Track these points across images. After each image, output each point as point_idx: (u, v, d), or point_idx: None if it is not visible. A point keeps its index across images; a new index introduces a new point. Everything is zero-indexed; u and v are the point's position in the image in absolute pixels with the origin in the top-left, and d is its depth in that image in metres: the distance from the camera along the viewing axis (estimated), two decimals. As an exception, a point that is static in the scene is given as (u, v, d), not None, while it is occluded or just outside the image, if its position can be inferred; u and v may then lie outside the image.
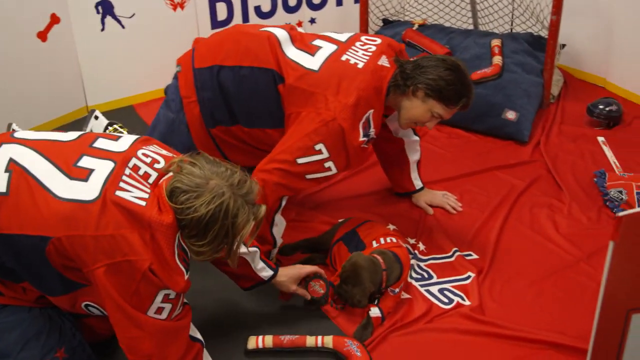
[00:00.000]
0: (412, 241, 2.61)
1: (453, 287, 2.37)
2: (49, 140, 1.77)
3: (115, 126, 3.13)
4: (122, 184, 1.64)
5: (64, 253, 1.62)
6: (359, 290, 2.16)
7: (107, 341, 2.15)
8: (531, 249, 2.57)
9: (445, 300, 2.31)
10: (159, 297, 1.65)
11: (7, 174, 1.66)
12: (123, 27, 3.81)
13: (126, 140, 1.79)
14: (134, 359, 1.70)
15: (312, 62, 2.33)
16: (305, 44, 2.40)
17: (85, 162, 1.69)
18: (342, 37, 2.48)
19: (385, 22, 4.41)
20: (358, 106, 2.24)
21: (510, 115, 3.39)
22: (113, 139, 1.79)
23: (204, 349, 1.85)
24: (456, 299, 2.30)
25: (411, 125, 2.46)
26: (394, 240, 2.38)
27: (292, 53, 2.36)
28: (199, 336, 1.84)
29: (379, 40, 2.45)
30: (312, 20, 4.61)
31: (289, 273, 2.24)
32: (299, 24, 4.58)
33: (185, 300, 1.77)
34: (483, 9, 4.27)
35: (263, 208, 1.74)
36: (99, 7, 3.71)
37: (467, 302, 2.28)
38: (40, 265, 1.65)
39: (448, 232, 2.66)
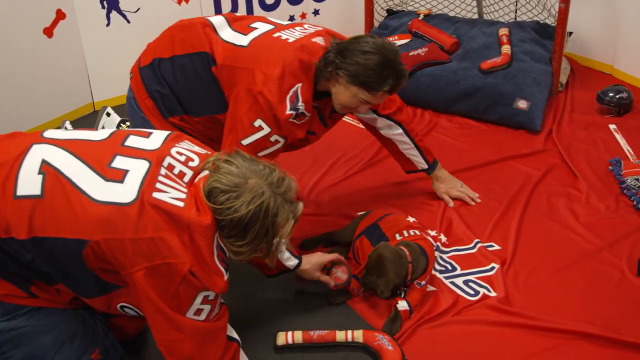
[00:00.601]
0: (433, 233, 2.60)
1: (477, 278, 2.37)
2: (80, 140, 1.73)
3: (128, 123, 3.10)
4: (158, 185, 1.62)
5: (102, 256, 1.60)
6: (383, 281, 2.16)
7: (135, 340, 2.15)
8: (552, 238, 2.57)
9: (471, 292, 2.31)
10: (199, 299, 1.63)
11: (40, 176, 1.62)
12: (128, 21, 3.79)
13: (158, 137, 1.77)
14: None
15: (243, 40, 2.29)
16: (242, 26, 2.36)
17: (120, 162, 1.66)
18: (285, 22, 2.46)
19: (390, 12, 4.39)
20: (283, 78, 2.18)
21: (522, 104, 3.39)
22: (144, 135, 1.76)
23: (241, 348, 1.84)
24: (482, 290, 2.31)
25: (345, 110, 2.38)
26: (417, 232, 2.38)
27: (227, 35, 2.32)
28: (235, 335, 1.82)
29: (320, 28, 2.41)
30: (316, 12, 4.60)
31: (312, 261, 2.26)
32: (303, 16, 4.56)
33: (221, 301, 1.75)
34: (487, -3, 4.27)
35: (301, 205, 1.73)
36: (104, 2, 3.69)
37: (493, 294, 2.29)
38: (75, 268, 1.63)
39: (468, 223, 2.66)
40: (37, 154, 1.67)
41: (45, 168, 1.63)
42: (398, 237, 2.37)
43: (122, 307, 1.77)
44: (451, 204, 2.78)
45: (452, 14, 4.34)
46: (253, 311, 2.29)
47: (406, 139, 2.66)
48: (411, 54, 3.75)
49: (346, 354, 2.09)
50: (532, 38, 3.77)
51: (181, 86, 2.34)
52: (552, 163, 3.08)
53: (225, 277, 1.67)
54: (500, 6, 4.19)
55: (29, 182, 1.62)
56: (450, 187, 2.82)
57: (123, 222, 1.57)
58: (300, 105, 2.21)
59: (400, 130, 2.64)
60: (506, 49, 3.62)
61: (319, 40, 2.28)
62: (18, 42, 3.38)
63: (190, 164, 1.72)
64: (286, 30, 2.32)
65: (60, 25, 3.54)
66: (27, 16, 3.39)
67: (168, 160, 1.69)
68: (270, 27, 2.35)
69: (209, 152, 1.80)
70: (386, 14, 4.41)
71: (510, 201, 2.79)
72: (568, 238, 2.56)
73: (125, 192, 1.60)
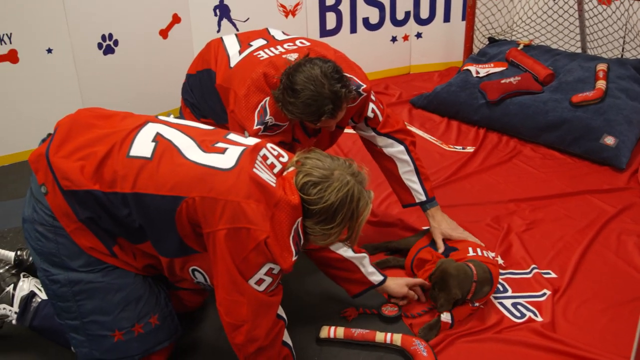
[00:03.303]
0: (491, 255, 2.63)
1: (527, 302, 2.38)
2: (189, 125, 2.00)
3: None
4: (257, 165, 1.84)
5: (193, 213, 1.79)
6: (444, 295, 2.23)
7: (193, 314, 2.34)
8: (613, 274, 2.54)
9: (518, 314, 2.33)
10: (264, 269, 1.80)
11: (153, 144, 1.88)
12: (237, 29, 4.05)
13: (254, 138, 1.99)
14: (229, 321, 1.85)
15: (235, 60, 2.49)
16: (244, 44, 2.56)
17: (221, 144, 1.89)
18: (281, 36, 2.60)
19: (491, 40, 4.43)
20: (249, 96, 2.34)
21: (609, 140, 3.35)
22: (243, 136, 2.00)
23: (286, 327, 1.98)
24: (528, 314, 2.32)
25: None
26: (492, 256, 2.43)
27: (231, 54, 2.53)
28: (283, 315, 1.97)
29: (307, 44, 2.52)
30: (419, 35, 4.70)
31: (399, 280, 2.39)
32: (405, 38, 4.69)
33: (280, 281, 1.91)
34: (593, 32, 4.21)
35: (372, 193, 1.94)
36: (217, 10, 3.98)
37: (539, 319, 2.30)
38: (166, 227, 1.84)
39: (528, 249, 2.67)
40: (153, 128, 1.94)
41: (158, 138, 1.90)
42: (471, 252, 2.43)
43: (193, 270, 1.97)
44: (442, 248, 2.53)
45: (555, 46, 4.33)
46: (304, 302, 2.42)
47: (407, 159, 2.58)
48: (503, 81, 3.79)
49: (382, 354, 2.18)
50: (631, 76, 3.69)
51: (202, 98, 2.64)
52: (630, 201, 3.02)
53: (294, 258, 1.84)
54: (605, 42, 4.14)
55: (142, 146, 1.88)
56: (451, 228, 2.59)
57: (219, 184, 1.78)
58: (269, 118, 2.33)
59: (402, 148, 2.59)
60: (601, 84, 3.57)
61: (291, 56, 2.38)
62: (136, 41, 3.73)
63: (281, 159, 1.95)
64: (271, 48, 2.47)
65: (175, 29, 3.86)
66: (147, 17, 3.74)
67: (263, 151, 1.91)
68: (262, 43, 2.53)
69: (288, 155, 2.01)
70: (487, 42, 4.45)
71: (577, 233, 2.78)
72: (630, 276, 2.52)
73: (225, 160, 1.83)
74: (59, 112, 2.05)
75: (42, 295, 2.14)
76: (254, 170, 1.81)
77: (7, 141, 3.53)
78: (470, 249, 2.44)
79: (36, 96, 3.51)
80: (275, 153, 1.95)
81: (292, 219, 1.81)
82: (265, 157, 1.90)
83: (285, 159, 1.96)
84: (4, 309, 2.15)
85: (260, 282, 1.82)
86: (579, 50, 4.30)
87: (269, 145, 1.96)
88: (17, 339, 2.27)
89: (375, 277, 2.32)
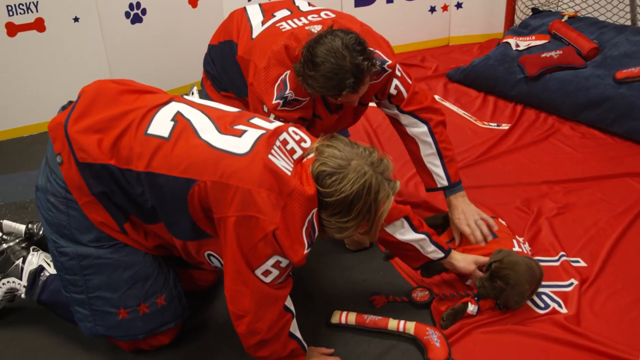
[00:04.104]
0: (526, 248, 2.49)
1: (552, 292, 2.27)
2: (213, 107, 1.93)
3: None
4: (273, 151, 1.75)
5: (205, 197, 1.74)
6: (517, 293, 2.11)
7: (203, 295, 2.31)
8: (647, 265, 2.40)
9: (541, 304, 2.22)
10: (271, 261, 1.73)
11: (172, 123, 1.83)
12: (268, -1, 3.95)
13: (278, 122, 1.91)
14: (232, 310, 1.80)
15: (257, 31, 2.39)
16: (268, 14, 2.46)
17: (241, 127, 1.82)
18: (306, 7, 2.50)
19: (535, 11, 4.23)
20: (269, 68, 2.25)
21: (654, 120, 3.16)
22: (268, 121, 1.91)
23: (294, 319, 1.91)
24: (553, 304, 2.21)
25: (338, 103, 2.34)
26: (527, 250, 2.35)
27: (254, 24, 2.44)
28: (291, 308, 1.90)
29: (332, 15, 2.41)
30: (459, 5, 4.54)
31: (468, 257, 2.26)
32: (445, 8, 4.52)
33: (290, 273, 1.84)
34: (644, 3, 3.98)
35: (398, 183, 1.82)
36: (249, -22, 3.88)
37: (564, 310, 2.18)
38: (178, 209, 1.79)
39: (558, 235, 2.54)
40: (175, 107, 1.89)
41: (178, 117, 1.84)
42: (516, 247, 2.32)
43: (208, 255, 1.92)
44: (457, 242, 2.47)
45: (602, 18, 4.10)
46: (317, 286, 2.36)
47: (430, 140, 2.46)
48: (543, 55, 3.61)
49: (394, 342, 2.10)
50: (682, 51, 3.47)
51: (223, 69, 2.56)
52: (673, 186, 2.85)
53: (306, 251, 1.76)
54: (657, 14, 3.90)
55: (161, 125, 1.83)
56: (474, 219, 2.45)
57: (232, 169, 1.71)
58: (289, 92, 2.24)
59: (425, 129, 2.45)
60: (648, 59, 3.37)
61: (314, 28, 2.28)
62: (165, 9, 3.69)
63: (303, 144, 1.86)
64: (294, 19, 2.37)
65: (205, -3, 3.80)
66: (175, -15, 3.67)
67: (284, 135, 1.83)
68: (286, 13, 2.43)
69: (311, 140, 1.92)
70: (531, 13, 4.25)
71: (612, 218, 2.63)
72: (665, 267, 2.38)
73: (240, 145, 1.75)
74: (85, 81, 2.02)
75: (51, 270, 2.13)
76: (270, 156, 1.72)
77: (32, 110, 3.54)
78: (515, 242, 2.34)
79: (62, 65, 3.50)
80: (297, 138, 1.86)
81: (306, 210, 1.73)
82: (285, 142, 1.82)
83: (307, 144, 1.86)
84: (13, 282, 2.15)
85: (266, 273, 1.75)
86: (628, 23, 4.06)
87: (291, 129, 1.87)
88: (29, 311, 2.27)
89: (436, 254, 2.20)
